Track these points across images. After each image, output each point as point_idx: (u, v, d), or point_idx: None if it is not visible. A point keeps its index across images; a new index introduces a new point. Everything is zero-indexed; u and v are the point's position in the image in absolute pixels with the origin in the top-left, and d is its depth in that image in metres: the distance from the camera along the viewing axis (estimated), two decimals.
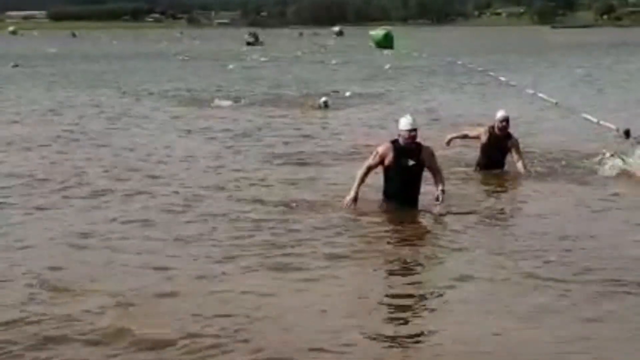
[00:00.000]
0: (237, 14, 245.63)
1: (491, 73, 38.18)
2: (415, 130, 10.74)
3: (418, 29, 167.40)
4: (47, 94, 30.31)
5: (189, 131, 20.06)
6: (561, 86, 32.35)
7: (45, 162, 15.58)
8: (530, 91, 28.56)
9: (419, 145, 10.87)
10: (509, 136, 13.83)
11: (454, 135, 14.78)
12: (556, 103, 24.39)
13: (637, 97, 27.44)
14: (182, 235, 9.94)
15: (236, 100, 26.89)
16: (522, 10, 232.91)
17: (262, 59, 56.72)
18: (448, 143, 14.57)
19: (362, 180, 10.91)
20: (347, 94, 28.88)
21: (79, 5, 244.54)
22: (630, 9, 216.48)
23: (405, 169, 10.78)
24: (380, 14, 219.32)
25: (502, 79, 34.90)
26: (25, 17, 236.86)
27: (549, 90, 28.12)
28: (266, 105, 25.85)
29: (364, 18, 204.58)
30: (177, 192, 12.54)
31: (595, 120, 20.08)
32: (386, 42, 73.15)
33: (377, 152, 10.87)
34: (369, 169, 10.93)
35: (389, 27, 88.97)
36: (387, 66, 45.35)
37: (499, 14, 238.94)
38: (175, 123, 21.82)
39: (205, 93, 29.75)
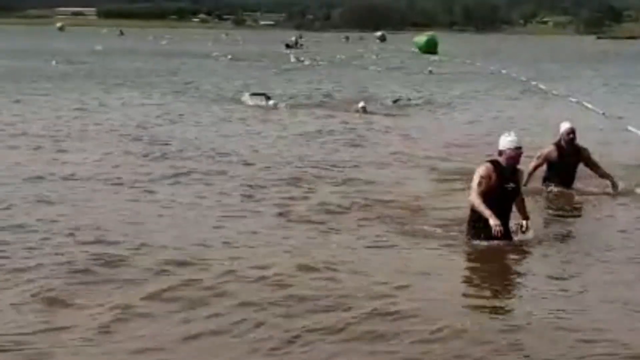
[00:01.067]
0: (282, 16, 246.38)
1: (534, 82, 38.16)
2: (520, 148, 9.83)
3: (462, 35, 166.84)
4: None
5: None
6: (606, 97, 32.31)
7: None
8: (574, 100, 28.59)
9: (516, 166, 9.93)
10: (577, 148, 13.06)
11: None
12: (603, 114, 24.40)
13: None
14: None
15: (292, 101, 27.18)
16: (568, 19, 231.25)
17: (307, 62, 57.03)
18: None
19: (485, 205, 9.58)
20: (389, 101, 28.84)
21: (128, 3, 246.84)
22: None
23: (506, 194, 9.80)
24: (425, 19, 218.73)
25: (542, 87, 34.91)
26: (75, 14, 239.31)
27: (591, 100, 28.14)
28: (315, 108, 26.21)
29: (408, 23, 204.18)
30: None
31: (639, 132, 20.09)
32: (430, 48, 72.84)
33: (481, 176, 9.72)
34: (481, 195, 9.68)
35: (432, 33, 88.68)
36: (428, 69, 45.21)
37: (545, 22, 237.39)
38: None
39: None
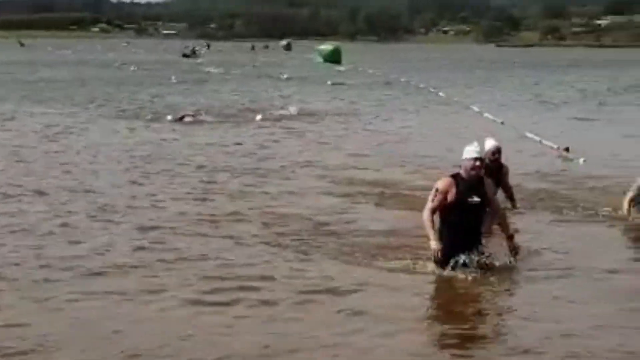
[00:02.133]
0: (184, 26, 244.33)
1: (432, 89, 38.75)
2: (482, 160, 9.16)
3: (365, 45, 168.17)
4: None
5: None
6: (504, 104, 32.97)
7: None
8: (476, 109, 29.12)
9: (480, 177, 9.16)
10: (501, 166, 12.41)
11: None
12: (502, 122, 24.90)
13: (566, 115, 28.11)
14: None
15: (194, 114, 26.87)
16: (468, 28, 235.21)
17: (213, 71, 56.74)
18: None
19: (433, 224, 9.06)
20: (292, 109, 28.69)
21: (28, 13, 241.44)
22: (574, 29, 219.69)
23: (470, 208, 9.03)
24: (328, 28, 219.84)
25: (443, 94, 35.54)
26: None
27: (491, 109, 28.73)
28: (217, 118, 26.09)
29: (313, 32, 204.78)
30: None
31: (537, 139, 20.63)
32: (334, 57, 73.31)
33: (436, 190, 9.09)
34: (434, 212, 9.08)
35: (336, 43, 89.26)
36: (329, 82, 45.52)
37: (446, 32, 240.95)
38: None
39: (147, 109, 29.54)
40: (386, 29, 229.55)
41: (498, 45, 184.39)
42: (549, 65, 76.40)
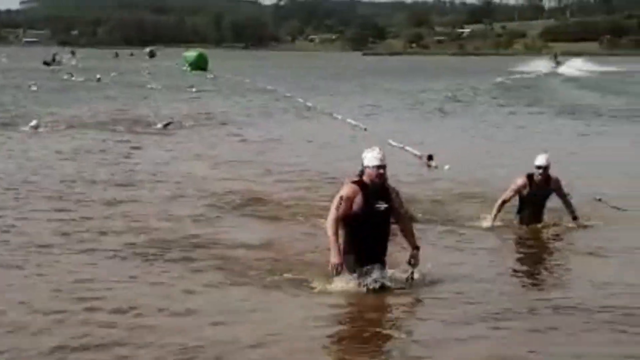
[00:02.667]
0: (47, 33, 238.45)
1: (300, 99, 38.79)
2: (384, 167, 8.64)
3: (232, 52, 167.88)
4: None
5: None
6: (369, 111, 33.21)
7: None
8: (340, 116, 29.22)
9: (385, 184, 8.75)
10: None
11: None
12: (365, 129, 25.03)
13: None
14: None
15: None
16: (334, 37, 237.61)
17: (70, 77, 55.35)
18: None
19: (337, 237, 8.54)
20: (158, 118, 28.12)
21: None
22: (437, 37, 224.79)
23: (378, 215, 8.59)
24: (194, 36, 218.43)
25: (309, 104, 35.61)
26: None
27: (355, 116, 28.88)
28: (80, 128, 25.33)
29: (178, 40, 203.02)
30: None
31: (400, 145, 20.74)
32: (200, 64, 72.77)
33: (341, 197, 8.57)
34: (338, 222, 8.56)
35: (203, 50, 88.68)
36: (194, 89, 45.04)
37: (312, 39, 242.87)
38: None
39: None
40: (252, 36, 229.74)
41: (364, 54, 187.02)
42: (416, 72, 77.77)
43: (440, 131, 26.56)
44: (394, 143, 21.30)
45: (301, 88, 47.98)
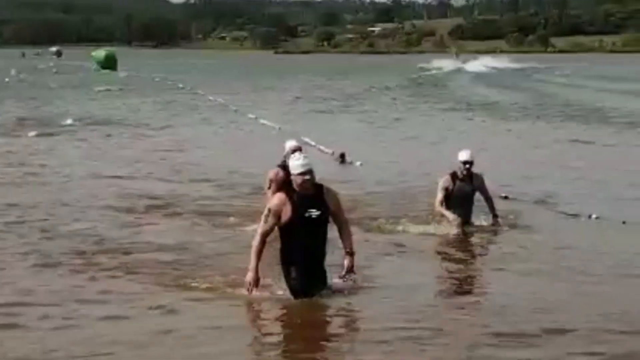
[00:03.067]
0: None
1: (211, 96, 38.50)
2: (310, 172, 8.02)
3: (142, 51, 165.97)
4: None
5: None
6: (280, 110, 33.09)
7: None
8: (252, 116, 29.05)
9: (320, 189, 8.15)
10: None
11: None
12: (279, 128, 24.89)
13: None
14: None
15: None
16: (245, 35, 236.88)
17: None
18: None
19: (260, 253, 8.06)
20: (69, 121, 27.44)
21: None
22: (348, 36, 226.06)
23: (311, 223, 7.99)
24: (103, 35, 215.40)
25: (221, 101, 35.36)
26: None
27: (268, 115, 28.73)
28: None
29: (86, 39, 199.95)
30: None
31: (313, 143, 20.68)
32: (109, 64, 71.76)
33: (269, 210, 8.02)
34: (266, 235, 8.06)
35: (112, 49, 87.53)
36: (102, 89, 44.31)
37: (223, 38, 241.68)
38: None
39: None
40: (163, 35, 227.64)
41: (276, 52, 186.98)
42: (326, 70, 77.98)
43: (352, 129, 26.52)
44: (307, 141, 21.23)
45: (213, 86, 47.59)
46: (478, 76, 68.77)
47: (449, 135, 23.95)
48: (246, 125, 26.84)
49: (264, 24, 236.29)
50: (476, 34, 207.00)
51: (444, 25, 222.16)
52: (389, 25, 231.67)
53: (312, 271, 8.11)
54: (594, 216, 12.46)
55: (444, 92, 46.81)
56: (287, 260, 8.13)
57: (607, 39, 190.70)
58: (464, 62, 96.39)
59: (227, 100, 36.43)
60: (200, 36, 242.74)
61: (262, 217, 8.06)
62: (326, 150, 19.70)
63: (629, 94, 42.58)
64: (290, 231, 7.97)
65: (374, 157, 19.09)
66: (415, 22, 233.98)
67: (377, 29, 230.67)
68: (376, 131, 25.87)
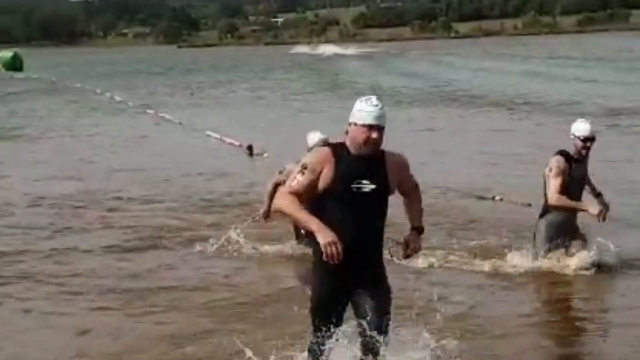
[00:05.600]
0: None
1: (108, 94, 37.57)
2: (379, 128, 5.28)
3: (42, 50, 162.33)
4: None
5: None
6: (185, 104, 32.35)
7: None
8: (152, 111, 28.31)
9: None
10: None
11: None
12: (180, 123, 24.24)
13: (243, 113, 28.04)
14: None
15: None
16: (147, 30, 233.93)
17: None
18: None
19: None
20: None
21: None
22: (252, 27, 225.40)
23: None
24: (1, 34, 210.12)
25: (118, 98, 34.55)
26: None
27: (171, 111, 27.97)
28: None
29: None
30: None
31: (218, 136, 20.15)
32: (15, 65, 69.40)
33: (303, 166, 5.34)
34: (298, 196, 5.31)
35: (15, 49, 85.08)
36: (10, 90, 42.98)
37: (125, 34, 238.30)
38: None
39: None
40: (62, 33, 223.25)
41: (179, 46, 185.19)
42: (230, 64, 77.36)
43: (258, 120, 25.89)
44: (212, 134, 20.64)
45: (114, 84, 46.52)
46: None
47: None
48: (147, 122, 26.04)
49: (166, 19, 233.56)
50: (380, 22, 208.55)
51: (347, 13, 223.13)
52: (293, 16, 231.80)
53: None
54: None
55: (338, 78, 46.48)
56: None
57: (508, 23, 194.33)
58: (313, 49, 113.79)
59: (127, 96, 35.48)
60: (101, 33, 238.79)
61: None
62: (233, 142, 19.10)
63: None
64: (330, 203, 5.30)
65: (281, 147, 18.49)
66: (318, 11, 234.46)
67: (280, 19, 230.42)
68: (283, 121, 25.31)
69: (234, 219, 10.86)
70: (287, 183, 5.32)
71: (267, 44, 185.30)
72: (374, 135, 5.16)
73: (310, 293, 5.38)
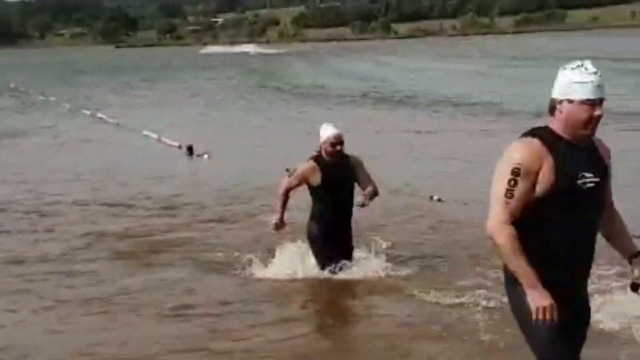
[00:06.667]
0: None
1: (42, 96, 37.03)
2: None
3: None
4: None
5: None
6: (123, 105, 31.96)
7: None
8: (88, 112, 27.94)
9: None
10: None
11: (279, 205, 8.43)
12: (117, 123, 23.91)
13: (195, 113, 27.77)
14: None
15: None
16: (84, 31, 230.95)
17: None
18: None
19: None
20: None
21: None
22: (191, 27, 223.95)
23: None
24: None
25: (53, 98, 34.11)
26: None
27: (108, 112, 27.58)
28: None
29: None
30: None
31: (156, 137, 19.88)
32: None
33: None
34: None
35: None
36: None
37: (62, 34, 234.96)
38: None
39: None
40: None
41: (117, 47, 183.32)
42: (164, 66, 76.88)
43: (194, 121, 25.57)
44: (150, 134, 20.34)
45: (50, 85, 45.88)
46: None
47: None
48: (82, 122, 25.64)
49: (103, 19, 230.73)
50: (321, 22, 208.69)
51: (287, 13, 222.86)
52: (232, 16, 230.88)
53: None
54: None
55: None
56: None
57: (447, 23, 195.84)
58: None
59: (62, 98, 34.93)
60: (37, 34, 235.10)
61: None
62: (172, 143, 18.79)
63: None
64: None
65: (221, 148, 18.28)
66: (258, 11, 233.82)
67: (220, 20, 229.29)
68: (220, 121, 25.11)
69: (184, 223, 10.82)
70: (495, 205, 4.03)
71: (205, 44, 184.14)
72: (597, 112, 4.02)
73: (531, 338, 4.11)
